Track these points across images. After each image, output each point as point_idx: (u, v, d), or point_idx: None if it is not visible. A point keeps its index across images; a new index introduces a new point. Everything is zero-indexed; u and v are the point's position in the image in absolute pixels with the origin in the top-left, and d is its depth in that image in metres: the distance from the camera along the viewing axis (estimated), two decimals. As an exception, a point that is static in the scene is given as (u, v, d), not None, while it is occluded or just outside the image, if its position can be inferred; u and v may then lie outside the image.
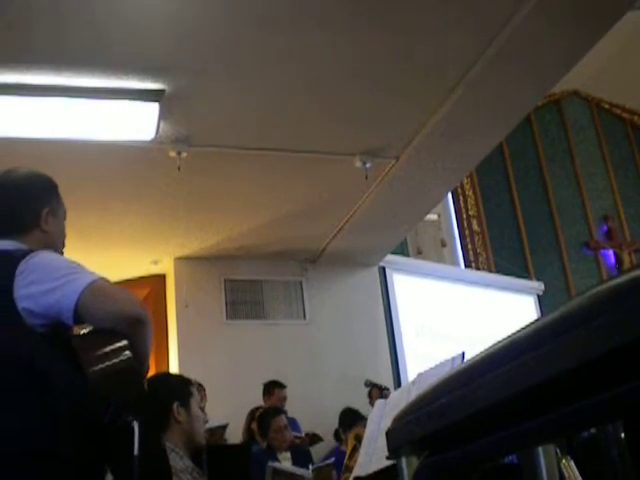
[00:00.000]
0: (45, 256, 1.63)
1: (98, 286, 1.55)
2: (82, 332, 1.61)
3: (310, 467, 4.06)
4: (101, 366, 1.50)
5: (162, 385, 2.37)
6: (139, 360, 1.56)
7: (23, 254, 1.61)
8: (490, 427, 0.69)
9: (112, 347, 1.53)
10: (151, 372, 1.85)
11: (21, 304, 1.53)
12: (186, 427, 2.21)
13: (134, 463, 1.43)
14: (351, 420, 4.91)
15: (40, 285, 1.54)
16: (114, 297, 1.56)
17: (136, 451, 1.43)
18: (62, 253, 1.85)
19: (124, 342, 1.52)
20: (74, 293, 1.52)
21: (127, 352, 1.52)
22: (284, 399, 5.44)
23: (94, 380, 1.48)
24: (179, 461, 2.14)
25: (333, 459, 4.19)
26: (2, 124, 3.84)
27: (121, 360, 1.51)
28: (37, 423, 1.48)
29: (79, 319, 1.54)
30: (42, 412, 1.49)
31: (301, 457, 4.54)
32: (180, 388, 2.30)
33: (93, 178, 4.57)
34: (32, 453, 1.47)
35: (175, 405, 2.21)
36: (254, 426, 4.84)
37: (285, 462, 4.32)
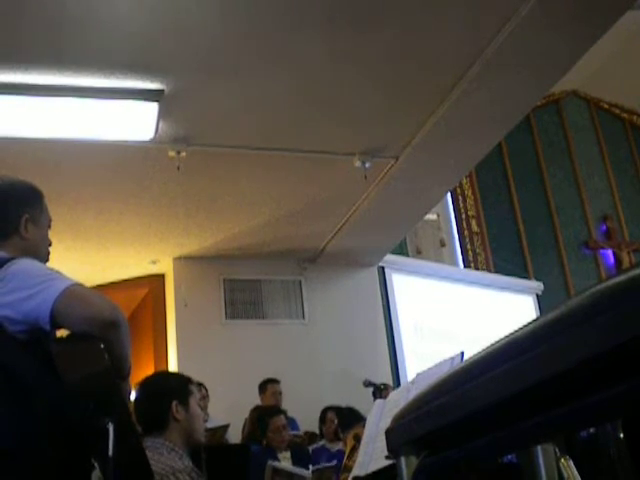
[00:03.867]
0: (24, 263, 1.65)
1: (72, 291, 1.58)
2: (60, 337, 1.64)
3: (310, 468, 4.04)
4: (77, 371, 1.55)
5: (161, 384, 2.37)
6: (116, 362, 1.59)
7: (2, 262, 1.64)
8: (489, 426, 0.69)
9: (87, 351, 1.57)
10: (150, 372, 1.87)
11: (1, 312, 1.56)
12: (185, 426, 2.20)
13: (108, 464, 1.47)
14: (349, 420, 4.88)
15: (18, 292, 1.57)
16: (88, 301, 1.59)
17: (110, 452, 1.46)
18: (47, 261, 1.86)
19: (99, 346, 1.56)
20: (50, 299, 1.55)
21: (102, 356, 1.55)
22: (279, 394, 5.42)
23: (70, 385, 1.52)
24: (178, 461, 2.13)
25: (335, 461, 4.17)
26: (1, 124, 3.84)
27: (96, 364, 1.55)
28: (12, 424, 1.50)
29: (56, 324, 1.57)
30: (18, 414, 1.51)
31: (301, 457, 4.52)
32: (179, 387, 2.29)
33: (92, 178, 4.57)
34: (6, 453, 1.48)
35: (174, 404, 2.20)
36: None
37: (285, 462, 4.30)
